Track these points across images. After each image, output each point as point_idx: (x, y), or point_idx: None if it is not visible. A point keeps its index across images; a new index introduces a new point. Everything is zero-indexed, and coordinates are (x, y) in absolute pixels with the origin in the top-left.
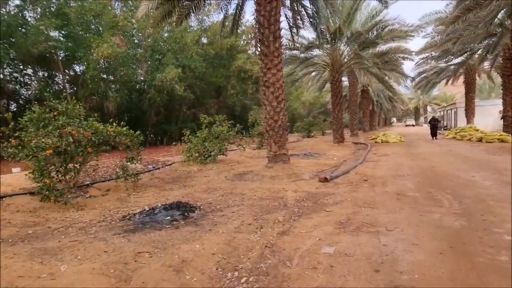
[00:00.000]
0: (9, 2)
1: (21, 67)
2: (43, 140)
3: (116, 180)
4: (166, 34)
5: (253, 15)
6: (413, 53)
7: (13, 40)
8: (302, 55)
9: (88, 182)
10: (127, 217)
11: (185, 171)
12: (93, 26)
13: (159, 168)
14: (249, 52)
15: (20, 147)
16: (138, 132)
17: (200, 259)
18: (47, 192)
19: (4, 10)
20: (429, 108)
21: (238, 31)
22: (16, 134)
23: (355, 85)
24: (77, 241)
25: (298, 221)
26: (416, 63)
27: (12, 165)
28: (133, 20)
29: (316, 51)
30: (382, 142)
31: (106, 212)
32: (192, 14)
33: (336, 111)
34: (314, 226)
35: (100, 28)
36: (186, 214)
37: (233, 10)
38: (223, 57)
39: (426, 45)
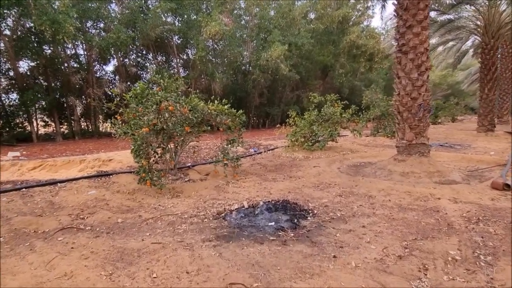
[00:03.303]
0: None
1: (144, 52)
2: (140, 116)
3: (216, 165)
4: (272, 13)
5: None
6: None
7: (137, 27)
8: (443, 17)
9: (189, 164)
10: (222, 214)
11: (289, 157)
12: (203, 6)
13: (261, 153)
14: (363, 25)
15: (123, 124)
16: (241, 111)
17: None
18: (143, 174)
19: None
20: None
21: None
22: (120, 111)
23: (510, 55)
24: (160, 245)
25: (499, 269)
26: None
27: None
28: (241, 0)
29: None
30: None
31: (200, 204)
32: None
33: (486, 90)
34: None
35: (209, 8)
36: (295, 221)
37: None
38: (332, 32)
39: None
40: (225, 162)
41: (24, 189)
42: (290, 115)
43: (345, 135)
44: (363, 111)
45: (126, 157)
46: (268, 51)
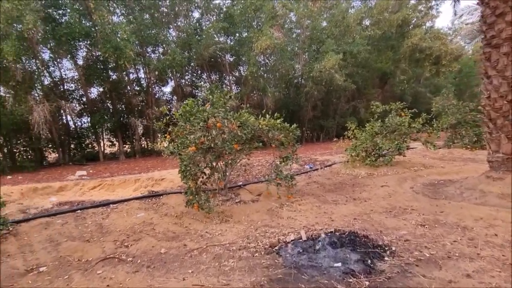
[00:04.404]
0: (191, 14)
1: (198, 72)
2: (187, 135)
3: (268, 184)
4: (324, 23)
5: None
6: None
7: (192, 49)
8: None
9: (241, 183)
10: (276, 247)
11: (350, 175)
12: (254, 23)
13: (317, 170)
14: (425, 26)
15: (173, 142)
16: (294, 125)
17: None
18: (190, 197)
19: (186, 21)
20: None
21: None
22: (169, 129)
23: None
24: None
25: None
26: None
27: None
28: (292, 13)
29: None
30: None
31: (251, 232)
32: None
33: None
34: None
35: (260, 24)
36: (369, 261)
37: None
38: (391, 37)
39: None
40: (278, 182)
41: (79, 211)
42: (348, 127)
43: (413, 148)
44: (434, 120)
45: (178, 176)
46: (321, 61)
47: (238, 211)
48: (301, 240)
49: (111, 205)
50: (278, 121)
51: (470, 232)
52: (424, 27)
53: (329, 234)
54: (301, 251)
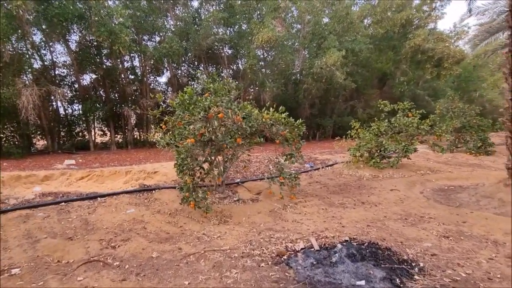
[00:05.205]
0: (189, 3)
1: (195, 63)
2: (186, 125)
3: (270, 183)
4: (326, 20)
5: None
6: None
7: (190, 39)
8: None
9: (238, 180)
10: (285, 256)
11: (354, 176)
12: (255, 15)
13: (318, 169)
14: (428, 27)
15: (168, 133)
16: (300, 120)
17: None
18: (187, 194)
19: (184, 10)
20: None
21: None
22: (165, 119)
23: None
24: None
25: None
26: None
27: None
28: (294, 7)
29: None
30: None
31: (254, 236)
32: None
33: None
34: None
35: (261, 16)
36: (397, 281)
37: None
38: (392, 37)
39: None
40: (282, 181)
41: (63, 203)
42: (352, 126)
43: (417, 151)
44: (437, 123)
45: (172, 170)
46: (322, 58)
47: (237, 211)
48: (313, 249)
49: (98, 198)
50: (283, 115)
51: (504, 248)
52: (426, 28)
53: (345, 243)
54: (314, 263)
